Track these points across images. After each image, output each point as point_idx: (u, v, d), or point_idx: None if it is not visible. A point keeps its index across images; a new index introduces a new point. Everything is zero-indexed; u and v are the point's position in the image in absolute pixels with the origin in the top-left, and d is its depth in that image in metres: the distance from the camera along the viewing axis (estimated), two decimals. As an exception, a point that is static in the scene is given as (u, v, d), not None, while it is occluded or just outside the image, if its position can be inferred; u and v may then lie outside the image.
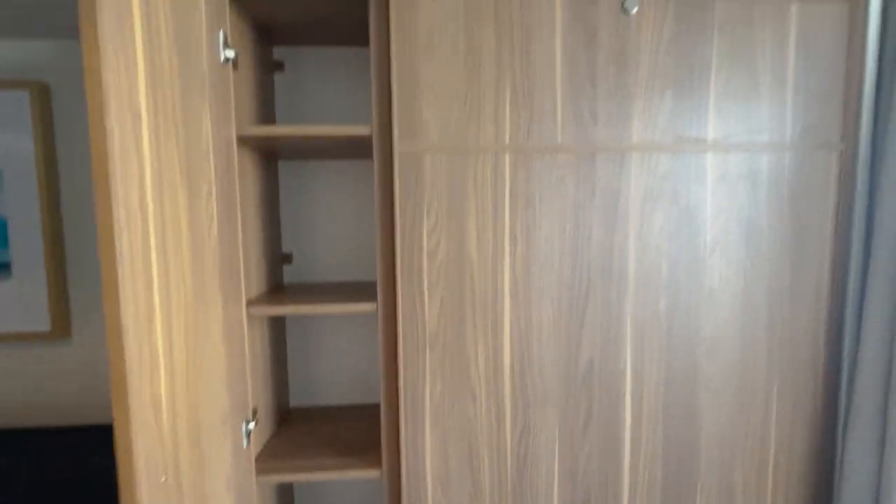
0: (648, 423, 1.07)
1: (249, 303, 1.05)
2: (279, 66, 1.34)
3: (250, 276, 1.11)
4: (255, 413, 1.07)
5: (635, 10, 0.97)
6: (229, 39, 0.93)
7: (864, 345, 1.02)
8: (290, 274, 1.41)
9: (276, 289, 1.29)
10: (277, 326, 1.33)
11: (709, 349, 1.06)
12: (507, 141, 0.99)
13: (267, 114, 1.28)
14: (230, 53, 0.91)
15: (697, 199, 1.03)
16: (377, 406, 1.42)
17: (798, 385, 1.08)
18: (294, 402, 1.44)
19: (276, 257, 1.34)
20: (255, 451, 1.13)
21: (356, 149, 1.14)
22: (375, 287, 1.19)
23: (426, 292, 1.00)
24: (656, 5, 0.98)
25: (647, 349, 1.05)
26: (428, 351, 1.02)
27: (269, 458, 1.12)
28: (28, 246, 1.31)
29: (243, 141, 1.05)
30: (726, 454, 1.09)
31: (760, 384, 1.08)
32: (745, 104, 1.02)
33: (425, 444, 1.03)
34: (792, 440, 1.10)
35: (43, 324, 1.33)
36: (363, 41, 1.30)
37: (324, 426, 1.28)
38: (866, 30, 1.01)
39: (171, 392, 0.66)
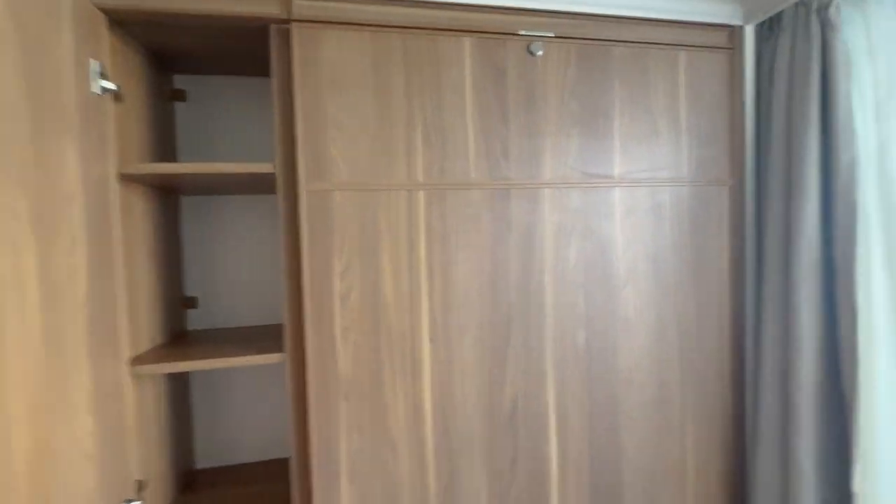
0: (574, 457, 1.05)
1: (136, 360, 0.92)
2: (180, 95, 1.23)
3: (139, 327, 0.98)
4: (142, 486, 0.92)
5: (540, 52, 1.00)
6: (108, 69, 0.83)
7: (763, 368, 1.07)
8: (194, 319, 1.27)
9: (178, 337, 1.15)
10: (178, 381, 1.19)
11: (627, 379, 1.07)
12: (420, 178, 0.96)
13: (165, 146, 1.17)
14: (108, 84, 0.82)
15: (608, 233, 1.05)
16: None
17: (709, 410, 1.12)
18: (201, 462, 1.28)
19: (178, 302, 1.21)
20: (144, 531, 0.97)
21: (262, 184, 1.06)
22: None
23: (339, 337, 0.93)
24: (559, 49, 1.01)
25: (568, 383, 1.04)
26: (343, 401, 0.94)
27: (161, 537, 0.97)
28: None
29: (131, 178, 0.93)
30: (649, 483, 1.09)
31: (675, 411, 1.10)
32: (647, 143, 1.07)
33: (341, 503, 0.94)
34: (707, 465, 1.12)
35: None
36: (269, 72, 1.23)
37: (232, 489, 1.14)
38: (743, 76, 1.11)
39: (7, 486, 0.54)
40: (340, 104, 0.91)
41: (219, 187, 1.13)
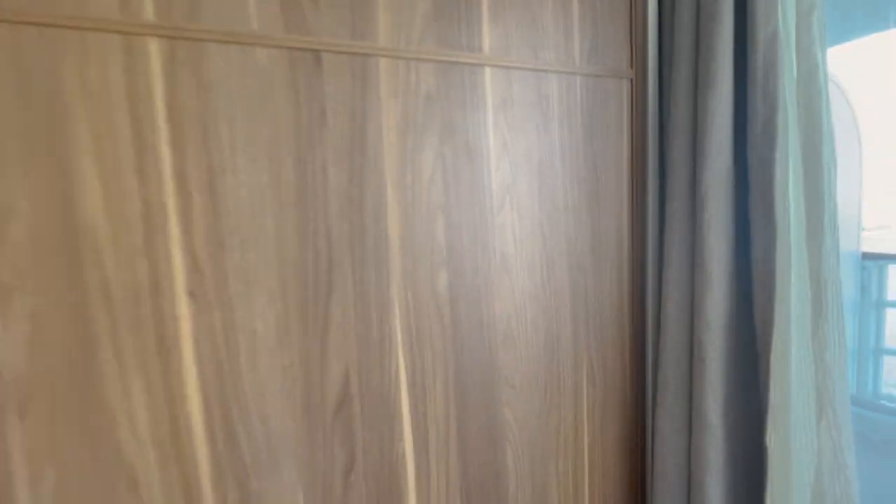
0: (438, 447, 0.74)
1: None
2: None
3: None
4: None
5: None
6: None
7: (667, 305, 0.85)
8: None
9: None
10: None
11: (506, 333, 0.78)
12: (150, 16, 0.53)
13: None
14: None
15: (477, 134, 0.73)
16: None
17: (608, 364, 0.88)
18: None
19: None
20: None
21: None
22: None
23: (14, 292, 0.49)
24: None
25: (425, 346, 0.72)
26: (14, 419, 0.51)
27: None
28: None
29: None
30: (538, 464, 0.82)
31: (568, 370, 0.84)
32: (526, 11, 0.75)
33: None
34: (605, 430, 0.89)
35: None
36: None
37: None
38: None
39: None
40: None
41: None
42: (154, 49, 0.54)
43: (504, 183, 0.76)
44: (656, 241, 0.89)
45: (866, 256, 1.43)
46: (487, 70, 0.73)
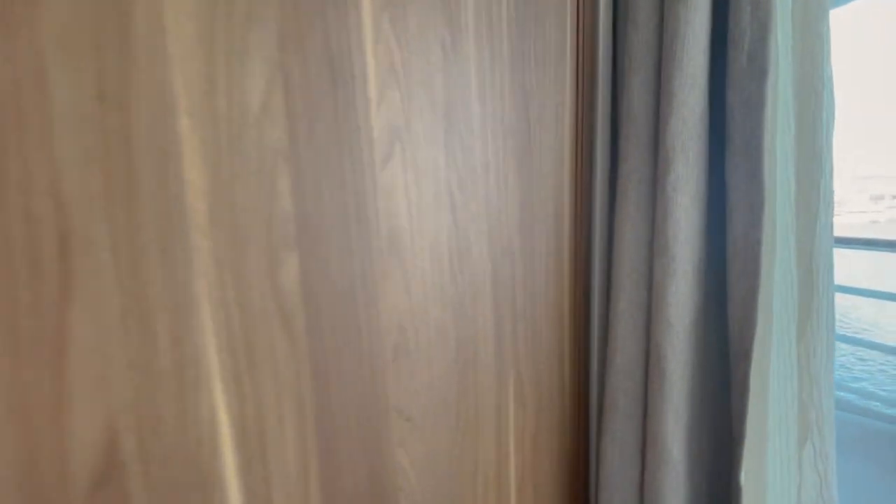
0: (295, 518, 0.48)
1: None
2: None
3: None
4: None
5: None
6: None
7: (617, 301, 0.64)
8: None
9: None
10: None
11: (397, 347, 0.54)
12: None
13: None
14: None
15: (345, 41, 0.47)
16: None
17: (541, 381, 0.66)
18: None
19: None
20: None
21: None
22: None
23: None
24: None
25: (263, 373, 0.46)
26: None
27: None
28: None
29: None
30: (446, 520, 0.60)
31: (489, 390, 0.62)
32: None
33: None
34: (537, 464, 0.68)
35: None
36: None
37: None
38: None
39: None
40: None
41: None
42: None
43: (391, 125, 0.50)
44: (605, 215, 0.67)
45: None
46: (361, -58, 0.46)
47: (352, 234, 0.50)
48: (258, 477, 0.47)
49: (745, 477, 0.58)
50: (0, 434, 0.36)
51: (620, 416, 0.66)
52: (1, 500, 0.36)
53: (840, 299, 1.44)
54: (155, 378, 0.41)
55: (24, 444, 0.36)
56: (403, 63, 0.50)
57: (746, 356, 0.56)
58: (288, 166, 0.45)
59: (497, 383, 0.63)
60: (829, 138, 0.61)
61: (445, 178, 0.55)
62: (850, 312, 5.91)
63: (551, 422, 0.70)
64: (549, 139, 0.63)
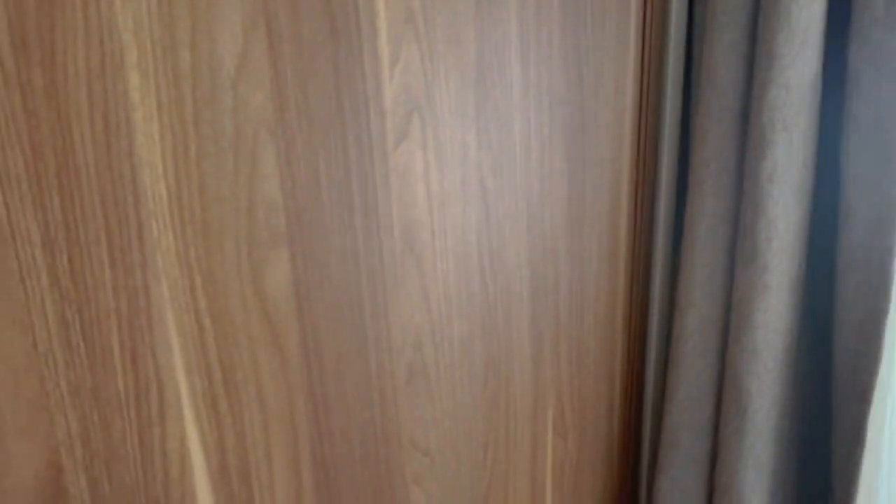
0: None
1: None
2: None
3: None
4: None
5: None
6: None
7: (684, 319, 0.51)
8: None
9: None
10: None
11: (413, 368, 0.44)
12: None
13: None
14: None
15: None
16: None
17: (586, 410, 0.55)
18: None
19: None
20: None
21: None
22: None
23: None
24: None
25: (248, 400, 0.37)
26: None
27: None
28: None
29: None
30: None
31: (524, 419, 0.51)
32: None
33: None
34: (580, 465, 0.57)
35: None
36: None
37: None
38: None
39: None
40: None
41: None
42: None
43: (409, 91, 0.40)
44: (672, 212, 0.54)
45: None
46: None
47: (357, 229, 0.40)
48: (238, 523, 0.38)
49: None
50: None
51: (682, 456, 0.54)
52: None
53: None
54: (107, 406, 0.33)
55: None
56: (424, 9, 0.39)
57: (863, 398, 0.43)
58: (273, 141, 0.36)
59: (533, 410, 0.53)
60: None
61: (476, 162, 0.44)
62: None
63: (596, 457, 0.58)
64: (606, 114, 0.51)
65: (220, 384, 0.37)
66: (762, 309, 0.46)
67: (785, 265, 0.46)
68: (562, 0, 0.47)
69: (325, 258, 0.39)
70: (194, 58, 0.32)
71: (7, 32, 0.27)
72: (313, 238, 0.38)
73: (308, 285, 0.39)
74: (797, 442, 0.50)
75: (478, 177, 0.44)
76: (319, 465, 0.42)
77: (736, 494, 0.50)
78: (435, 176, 0.42)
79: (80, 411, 0.32)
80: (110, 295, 0.32)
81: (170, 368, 0.35)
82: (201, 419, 0.36)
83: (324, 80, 0.36)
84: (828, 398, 0.47)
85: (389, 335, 0.43)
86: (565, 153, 0.49)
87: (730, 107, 0.48)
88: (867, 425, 0.43)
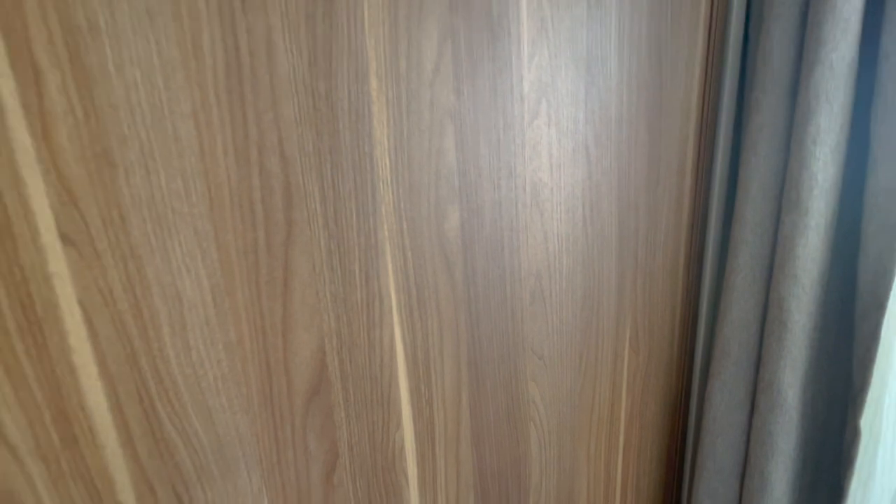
0: (446, 436, 0.56)
1: None
2: None
3: None
4: None
5: None
6: None
7: (737, 260, 0.65)
8: None
9: None
10: None
11: (535, 293, 0.58)
12: None
13: None
14: None
15: (513, 14, 0.48)
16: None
17: (654, 330, 0.69)
18: None
19: None
20: None
21: None
22: None
23: None
24: None
25: (430, 310, 0.52)
26: None
27: None
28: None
29: None
30: (567, 447, 0.66)
31: (609, 336, 0.66)
32: None
33: None
34: (645, 404, 0.72)
35: None
36: None
37: None
38: None
39: None
40: None
41: None
42: None
43: (541, 81, 0.52)
44: (726, 168, 0.67)
45: None
46: None
47: (502, 188, 0.54)
48: (423, 399, 0.54)
49: (866, 426, 0.60)
50: (246, 351, 0.44)
51: (732, 363, 0.68)
52: (245, 395, 0.45)
53: None
54: (351, 310, 0.48)
55: (262, 360, 0.45)
56: (553, 19, 0.52)
57: (880, 307, 0.56)
58: (453, 124, 0.49)
59: (616, 331, 0.67)
60: None
61: (583, 133, 0.57)
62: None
63: (660, 367, 0.73)
64: (678, 92, 0.63)
65: (415, 299, 0.52)
66: (802, 244, 0.60)
67: (823, 209, 0.59)
68: (648, 26, 0.58)
69: (480, 210, 0.53)
70: (408, 65, 0.46)
71: (307, 57, 0.41)
72: (474, 195, 0.52)
73: (470, 229, 0.53)
74: (826, 348, 0.65)
75: (584, 145, 0.58)
76: (473, 361, 0.57)
77: (776, 389, 0.65)
78: (555, 145, 0.55)
79: (336, 313, 0.48)
80: (355, 234, 0.47)
81: (386, 286, 0.50)
82: (403, 323, 0.52)
83: (486, 77, 0.49)
84: (851, 312, 0.61)
85: (520, 268, 0.57)
86: (647, 126, 0.62)
87: (782, 82, 0.60)
88: (882, 328, 0.56)
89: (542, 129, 0.54)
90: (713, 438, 0.73)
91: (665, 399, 0.75)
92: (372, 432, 0.52)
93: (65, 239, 0.36)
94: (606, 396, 0.69)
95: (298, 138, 0.42)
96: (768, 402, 0.65)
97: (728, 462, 0.72)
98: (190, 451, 0.43)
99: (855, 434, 0.60)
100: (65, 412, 0.38)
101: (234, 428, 0.45)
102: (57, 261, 0.36)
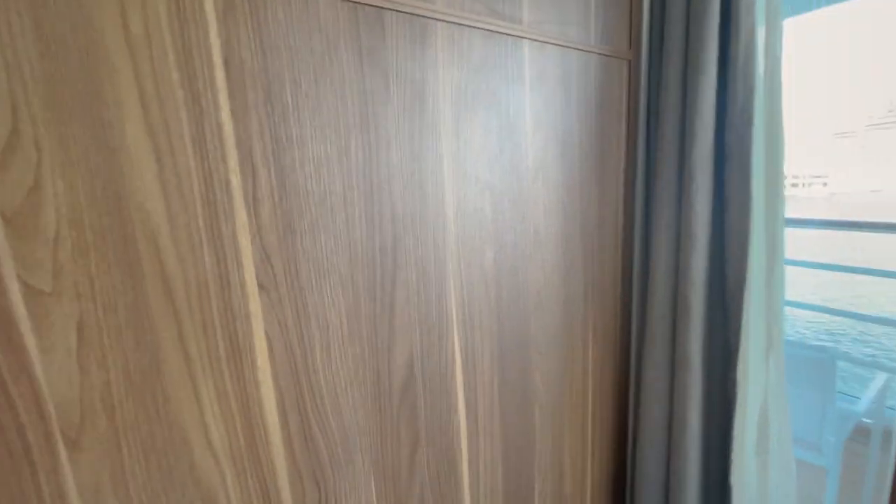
0: (484, 416, 0.75)
1: None
2: None
3: None
4: None
5: None
6: None
7: (656, 267, 0.95)
8: None
9: None
10: None
11: (537, 304, 0.81)
12: (201, -55, 0.42)
13: None
14: None
15: (517, 106, 0.72)
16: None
17: (606, 321, 0.96)
18: None
19: None
20: None
21: None
22: None
23: (51, 300, 0.37)
24: None
25: (476, 321, 0.72)
26: (70, 450, 0.40)
27: None
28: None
29: None
30: (556, 420, 0.89)
31: (579, 331, 0.91)
32: (554, -18, 0.74)
33: None
34: (603, 382, 0.99)
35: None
36: None
37: None
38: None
39: None
40: None
41: None
42: (208, -10, 0.43)
43: (538, 156, 0.77)
44: (643, 213, 0.98)
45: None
46: (526, 43, 0.72)
47: (517, 230, 0.76)
48: (471, 388, 0.73)
49: (741, 375, 0.92)
50: (366, 361, 0.59)
51: (657, 347, 0.98)
52: (363, 396, 0.60)
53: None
54: (430, 324, 0.66)
55: (374, 367, 0.61)
56: (544, 115, 0.77)
57: (739, 296, 0.90)
58: (488, 188, 0.71)
59: (582, 327, 0.93)
60: (782, 159, 0.96)
61: (561, 191, 0.82)
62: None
63: (609, 353, 1.01)
64: (613, 161, 0.92)
65: (468, 316, 0.71)
66: (694, 258, 0.91)
67: (703, 234, 0.91)
68: (595, 100, 0.86)
69: (505, 247, 0.75)
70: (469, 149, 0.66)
71: (407, 149, 0.59)
72: (502, 237, 0.74)
73: (499, 262, 0.74)
74: (714, 323, 0.97)
75: (561, 197, 0.83)
76: (500, 359, 0.77)
77: (686, 358, 0.95)
78: (547, 198, 0.80)
79: (420, 329, 0.65)
80: (433, 267, 0.65)
81: (450, 308, 0.68)
82: (460, 335, 0.70)
83: (511, 157, 0.72)
84: (724, 297, 0.94)
85: (528, 287, 0.79)
86: (597, 181, 0.90)
87: (673, 158, 0.92)
88: (745, 300, 0.89)
89: (539, 188, 0.78)
90: (648, 400, 1.01)
91: (614, 377, 1.03)
92: (439, 417, 0.69)
93: (261, 286, 0.50)
94: (580, 378, 0.94)
95: (401, 204, 0.60)
96: (681, 368, 0.95)
97: (659, 416, 1.01)
98: (326, 442, 0.57)
99: (733, 383, 0.92)
100: (250, 419, 0.50)
101: (354, 422, 0.60)
102: (255, 303, 0.49)
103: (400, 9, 0.56)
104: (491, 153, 0.69)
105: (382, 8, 0.55)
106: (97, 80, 0.38)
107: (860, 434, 1.88)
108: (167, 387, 0.44)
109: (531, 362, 0.82)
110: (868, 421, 1.71)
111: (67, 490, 0.40)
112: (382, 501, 0.63)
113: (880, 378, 1.56)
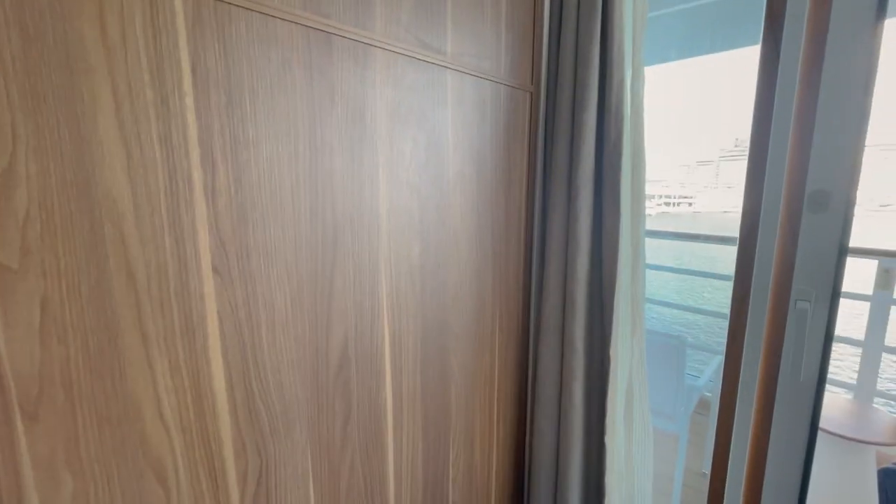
0: (407, 394, 0.86)
1: None
2: None
3: None
4: None
5: None
6: None
7: (548, 269, 1.14)
8: None
9: None
10: None
11: (455, 297, 0.94)
12: (175, -36, 0.48)
13: None
14: None
15: (442, 125, 0.85)
16: None
17: (510, 314, 1.13)
18: None
19: None
20: None
21: None
22: None
23: (17, 277, 0.40)
24: None
25: (403, 309, 0.82)
26: (26, 420, 0.42)
27: None
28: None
29: None
30: (469, 398, 1.02)
31: (488, 321, 1.06)
32: (473, 26, 0.89)
33: None
34: (506, 365, 1.15)
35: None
36: None
37: None
38: (548, -22, 1.06)
39: None
40: None
41: None
42: (180, 4, 0.49)
43: (457, 170, 0.90)
44: (541, 221, 1.17)
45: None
46: (449, 72, 0.85)
47: (440, 231, 0.88)
48: (398, 368, 0.83)
49: (613, 353, 1.14)
50: (306, 341, 0.67)
51: (550, 332, 1.17)
52: (303, 373, 0.67)
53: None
54: (362, 312, 0.75)
55: (313, 346, 0.68)
56: (463, 136, 0.90)
57: (611, 292, 1.12)
58: (416, 193, 0.82)
59: (491, 318, 1.08)
60: (643, 183, 1.21)
61: (476, 200, 0.97)
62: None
63: (513, 339, 1.17)
64: (517, 177, 1.09)
65: (396, 301, 0.81)
66: (580, 260, 1.12)
67: (586, 240, 1.12)
68: (504, 125, 1.03)
69: (429, 245, 0.86)
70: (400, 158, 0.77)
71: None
72: (426, 235, 0.85)
73: (424, 257, 0.85)
74: (593, 313, 1.19)
75: (475, 206, 0.97)
76: (423, 342, 0.88)
77: (572, 342, 1.15)
78: (464, 206, 0.93)
79: (354, 313, 0.74)
80: (367, 260, 0.74)
81: (381, 295, 0.78)
82: (390, 319, 0.80)
83: (435, 169, 0.84)
84: (601, 292, 1.16)
85: (447, 281, 0.92)
86: (505, 193, 1.06)
87: (563, 176, 1.12)
88: (615, 295, 1.11)
89: (458, 196, 0.91)
90: (543, 378, 1.20)
91: (517, 359, 1.20)
92: (369, 393, 0.78)
93: (215, 270, 0.56)
94: (488, 361, 1.09)
95: (342, 201, 0.69)
96: (569, 351, 1.15)
97: (552, 393, 1.20)
98: (269, 415, 0.63)
99: (608, 360, 1.14)
100: (200, 392, 0.56)
101: (294, 396, 0.66)
102: (209, 285, 0.55)
103: (345, 35, 0.65)
104: (419, 163, 0.81)
105: (330, 33, 0.64)
106: (74, 76, 0.42)
107: (702, 407, 2.32)
108: (124, 362, 0.48)
109: (448, 347, 0.94)
110: (708, 394, 2.12)
111: (21, 461, 0.42)
112: (318, 469, 0.70)
113: (716, 360, 1.97)
